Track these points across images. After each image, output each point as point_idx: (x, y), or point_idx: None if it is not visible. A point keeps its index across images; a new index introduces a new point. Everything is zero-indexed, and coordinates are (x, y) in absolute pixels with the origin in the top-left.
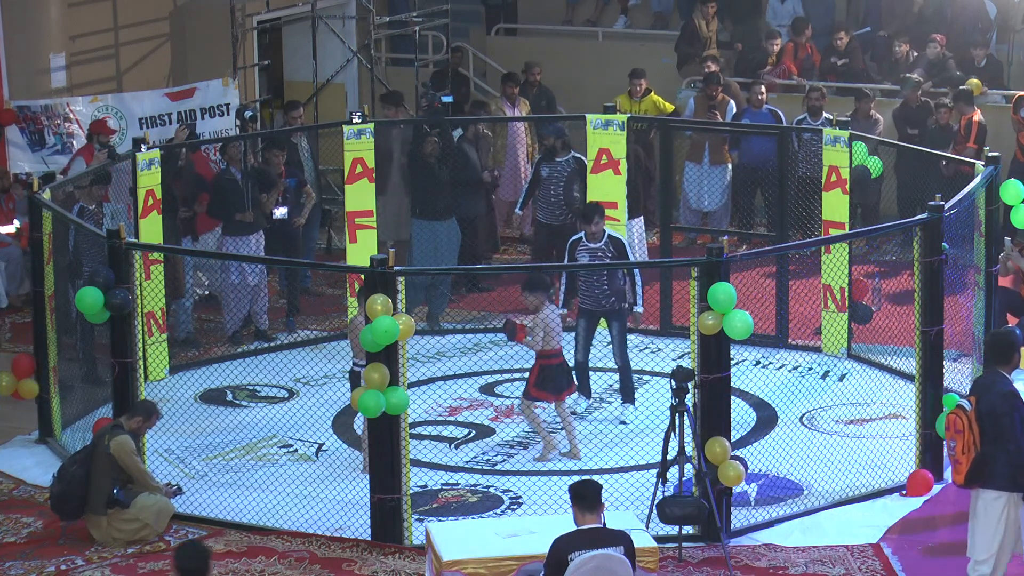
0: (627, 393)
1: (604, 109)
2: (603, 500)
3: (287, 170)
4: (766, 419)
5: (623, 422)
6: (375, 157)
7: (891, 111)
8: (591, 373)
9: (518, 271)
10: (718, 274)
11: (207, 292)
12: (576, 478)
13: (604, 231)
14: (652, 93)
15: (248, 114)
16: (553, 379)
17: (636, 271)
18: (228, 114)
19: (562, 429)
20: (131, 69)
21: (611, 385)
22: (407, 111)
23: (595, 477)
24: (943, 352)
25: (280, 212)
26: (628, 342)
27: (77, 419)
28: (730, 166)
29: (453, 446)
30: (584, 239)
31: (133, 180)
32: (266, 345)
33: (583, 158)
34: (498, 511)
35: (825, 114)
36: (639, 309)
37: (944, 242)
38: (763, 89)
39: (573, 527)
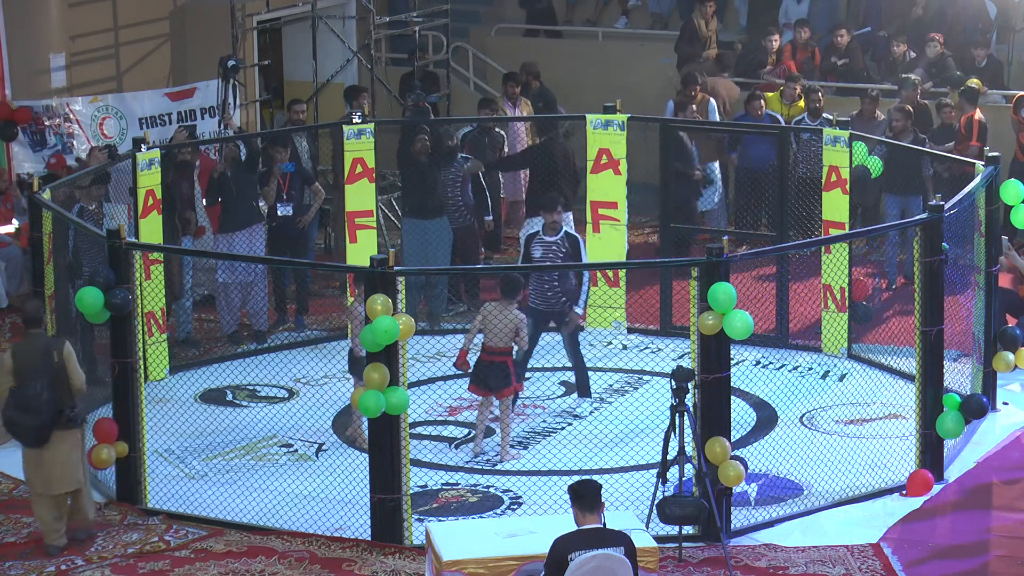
0: (583, 388)
1: (604, 109)
2: (603, 500)
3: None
4: (766, 419)
5: (577, 416)
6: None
7: (888, 111)
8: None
9: (517, 271)
10: (718, 274)
11: (207, 292)
12: (576, 478)
13: (562, 225)
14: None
15: (231, 63)
16: (483, 375)
17: (585, 273)
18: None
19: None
20: (131, 69)
21: (610, 385)
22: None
23: (595, 477)
24: (943, 352)
25: (284, 209)
26: (629, 342)
27: None
28: (717, 164)
29: (453, 446)
30: (541, 232)
31: (133, 180)
32: (266, 345)
33: (471, 157)
34: (498, 511)
35: (825, 114)
36: (578, 310)
37: (944, 242)
38: (762, 104)
39: (573, 527)
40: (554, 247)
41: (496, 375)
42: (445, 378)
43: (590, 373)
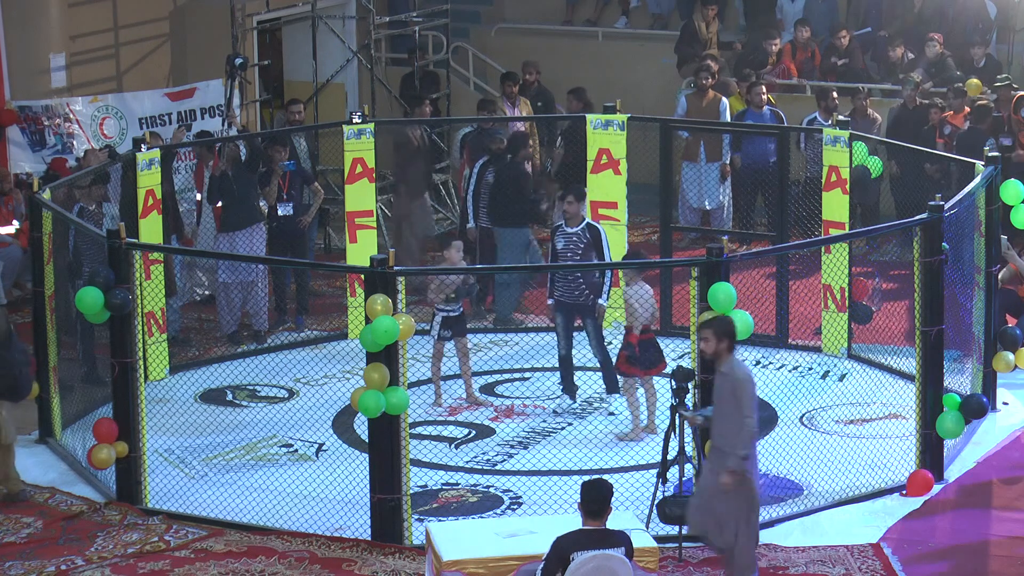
0: (611, 384)
1: (604, 109)
2: (610, 506)
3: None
4: (766, 419)
5: (612, 413)
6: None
7: (889, 110)
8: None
9: (520, 271)
10: (718, 274)
11: (207, 292)
12: (575, 479)
13: (583, 216)
14: None
15: (239, 61)
16: (642, 355)
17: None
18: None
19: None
20: (131, 69)
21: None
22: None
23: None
24: (943, 352)
25: (284, 209)
26: None
27: (77, 419)
28: (727, 160)
29: (453, 446)
30: (563, 225)
31: (133, 181)
32: (266, 345)
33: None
34: (498, 511)
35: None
36: (603, 303)
37: (944, 242)
38: (764, 89)
39: (572, 527)
40: (575, 238)
41: (652, 352)
42: (445, 378)
43: (591, 373)
